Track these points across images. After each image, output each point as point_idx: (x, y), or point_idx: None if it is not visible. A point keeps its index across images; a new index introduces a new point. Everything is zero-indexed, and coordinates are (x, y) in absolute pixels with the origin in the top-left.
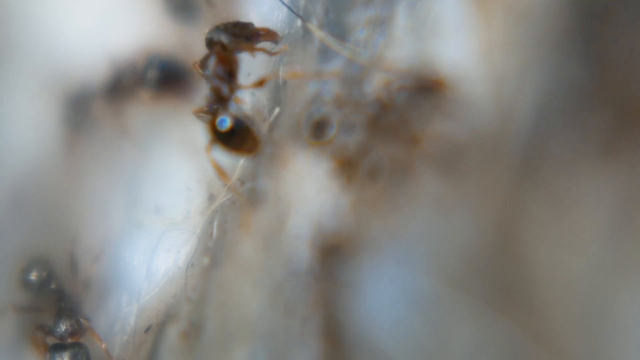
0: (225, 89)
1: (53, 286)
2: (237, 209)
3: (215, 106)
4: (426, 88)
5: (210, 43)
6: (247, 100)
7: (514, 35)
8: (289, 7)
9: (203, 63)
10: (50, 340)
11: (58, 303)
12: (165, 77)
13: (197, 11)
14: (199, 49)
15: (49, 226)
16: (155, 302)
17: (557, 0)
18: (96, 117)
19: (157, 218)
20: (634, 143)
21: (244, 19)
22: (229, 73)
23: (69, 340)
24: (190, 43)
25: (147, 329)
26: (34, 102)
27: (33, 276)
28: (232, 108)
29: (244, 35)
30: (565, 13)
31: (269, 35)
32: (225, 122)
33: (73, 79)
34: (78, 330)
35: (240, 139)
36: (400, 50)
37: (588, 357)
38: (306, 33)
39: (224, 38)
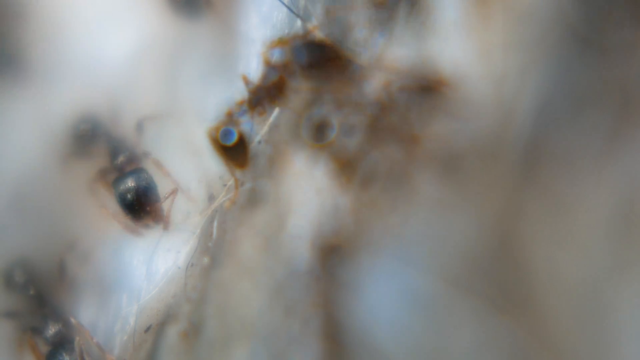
0: (261, 100)
1: (32, 292)
2: (237, 209)
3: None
4: (426, 88)
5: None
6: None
7: (514, 35)
8: (288, 7)
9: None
10: (42, 345)
11: (41, 310)
12: (140, 202)
13: (198, 10)
14: (199, 49)
15: (44, 229)
16: (155, 302)
17: (557, 1)
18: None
19: None
20: (634, 143)
21: (245, 19)
22: (280, 89)
23: (59, 343)
24: (191, 42)
25: (147, 329)
26: (39, 108)
27: (14, 279)
28: (245, 123)
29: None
30: (565, 13)
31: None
32: (233, 135)
33: (83, 97)
34: (66, 333)
35: (237, 153)
36: (400, 50)
37: (588, 357)
38: (306, 33)
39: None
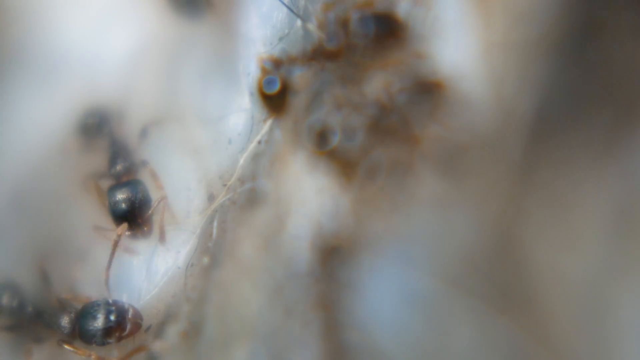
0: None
1: (30, 309)
2: (237, 209)
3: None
4: (426, 88)
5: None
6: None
7: (514, 35)
8: (289, 7)
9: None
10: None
11: (41, 318)
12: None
13: (198, 10)
14: (199, 49)
15: (42, 228)
16: (155, 302)
17: (557, 1)
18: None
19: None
20: (634, 143)
21: (245, 19)
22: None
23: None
24: (191, 42)
25: (147, 329)
26: (45, 105)
27: (4, 303)
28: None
29: None
30: (565, 14)
31: None
32: (275, 84)
33: (92, 92)
34: (75, 314)
35: (277, 101)
36: (400, 50)
37: (588, 357)
38: (306, 33)
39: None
